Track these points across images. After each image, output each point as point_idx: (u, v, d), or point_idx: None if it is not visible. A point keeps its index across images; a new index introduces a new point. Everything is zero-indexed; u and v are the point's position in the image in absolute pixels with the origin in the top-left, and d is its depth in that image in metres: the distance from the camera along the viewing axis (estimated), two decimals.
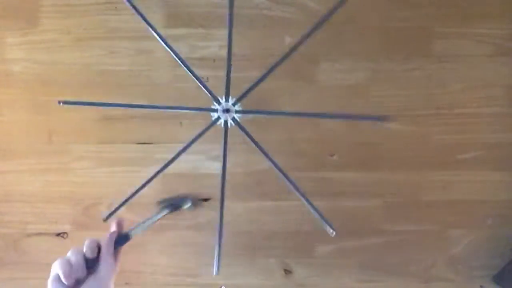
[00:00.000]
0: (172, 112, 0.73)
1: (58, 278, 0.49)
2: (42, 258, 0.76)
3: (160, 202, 0.73)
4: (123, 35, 0.72)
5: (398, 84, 0.72)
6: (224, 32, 0.72)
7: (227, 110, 0.60)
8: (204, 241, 0.75)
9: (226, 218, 0.75)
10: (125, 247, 0.70)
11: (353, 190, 0.74)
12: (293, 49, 0.58)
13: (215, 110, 0.60)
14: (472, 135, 0.73)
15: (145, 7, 0.72)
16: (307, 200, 0.59)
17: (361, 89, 0.72)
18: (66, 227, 0.75)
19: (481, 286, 0.75)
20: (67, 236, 0.76)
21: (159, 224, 0.70)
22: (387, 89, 0.72)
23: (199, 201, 0.73)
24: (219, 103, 0.60)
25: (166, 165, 0.62)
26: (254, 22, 0.72)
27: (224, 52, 0.72)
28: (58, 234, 0.76)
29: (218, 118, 0.60)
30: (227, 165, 0.74)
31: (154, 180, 0.74)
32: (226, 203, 0.74)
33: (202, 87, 0.61)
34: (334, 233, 0.59)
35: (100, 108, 0.74)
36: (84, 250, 0.52)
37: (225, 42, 0.72)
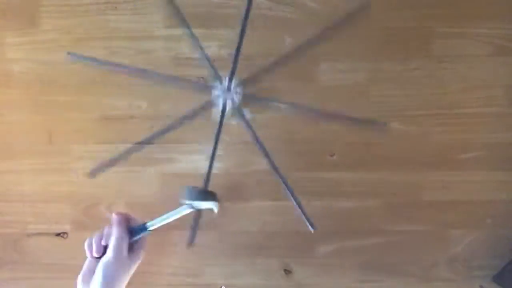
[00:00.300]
0: (172, 112, 0.73)
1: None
2: (42, 258, 0.76)
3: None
4: (123, 35, 0.73)
5: (398, 84, 0.72)
6: (224, 32, 0.73)
7: (228, 89, 0.59)
8: (204, 241, 0.75)
9: (226, 218, 0.75)
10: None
11: (353, 190, 0.74)
12: (303, 47, 0.58)
13: (216, 87, 0.60)
14: (472, 135, 0.73)
15: (145, 7, 0.73)
16: (291, 194, 0.60)
17: (361, 89, 0.72)
18: (66, 227, 0.75)
19: (481, 286, 0.75)
20: (67, 236, 0.76)
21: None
22: (387, 89, 0.72)
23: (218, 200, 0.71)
24: (221, 82, 0.60)
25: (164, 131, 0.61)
26: (254, 22, 0.72)
27: (224, 52, 0.72)
28: (58, 234, 0.76)
29: (217, 97, 0.60)
30: (227, 165, 0.74)
31: (154, 180, 0.75)
32: (226, 203, 0.74)
33: (207, 62, 0.60)
34: (313, 231, 0.62)
35: (100, 108, 0.74)
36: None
37: (225, 42, 0.72)
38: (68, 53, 0.60)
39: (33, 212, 0.75)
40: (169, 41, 0.73)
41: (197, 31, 0.72)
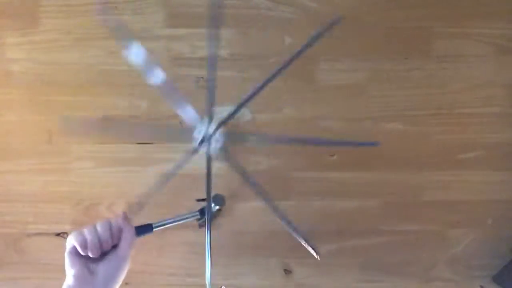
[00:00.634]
0: (172, 112, 0.73)
1: (84, 249, 0.51)
2: (42, 258, 0.76)
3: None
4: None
5: (398, 84, 0.72)
6: (225, 32, 0.73)
7: (206, 141, 0.56)
8: (204, 241, 0.75)
9: (226, 218, 0.75)
10: None
11: (353, 190, 0.74)
12: (280, 68, 0.55)
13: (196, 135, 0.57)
14: (472, 135, 0.73)
15: (146, 7, 0.73)
16: (291, 225, 0.58)
17: (361, 89, 0.72)
18: (66, 227, 0.75)
19: (481, 286, 0.75)
20: (67, 236, 0.75)
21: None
22: (387, 89, 0.72)
23: (221, 197, 0.71)
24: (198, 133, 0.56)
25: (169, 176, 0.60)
26: (254, 22, 0.72)
27: (224, 52, 0.72)
28: (58, 234, 0.76)
29: (197, 150, 0.57)
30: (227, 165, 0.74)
31: (154, 180, 0.75)
32: (226, 202, 0.74)
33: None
34: (318, 257, 0.58)
35: (100, 108, 0.74)
36: (106, 228, 0.53)
37: (225, 42, 0.72)
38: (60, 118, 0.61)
39: (33, 212, 0.75)
40: (169, 41, 0.73)
41: (197, 31, 0.72)
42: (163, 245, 0.75)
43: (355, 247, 0.75)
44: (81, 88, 0.73)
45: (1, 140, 0.75)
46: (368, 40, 0.72)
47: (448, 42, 0.72)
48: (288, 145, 0.66)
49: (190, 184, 0.74)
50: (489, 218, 0.74)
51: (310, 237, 0.75)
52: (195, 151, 0.57)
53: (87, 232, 0.51)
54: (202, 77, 0.72)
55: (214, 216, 0.72)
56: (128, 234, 0.54)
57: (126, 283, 0.75)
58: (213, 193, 0.73)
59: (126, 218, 0.55)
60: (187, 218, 0.66)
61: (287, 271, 0.75)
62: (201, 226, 0.73)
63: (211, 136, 0.56)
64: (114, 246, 0.53)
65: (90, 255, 0.51)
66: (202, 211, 0.69)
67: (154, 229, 0.61)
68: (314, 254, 0.58)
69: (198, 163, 0.74)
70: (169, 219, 0.63)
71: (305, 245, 0.58)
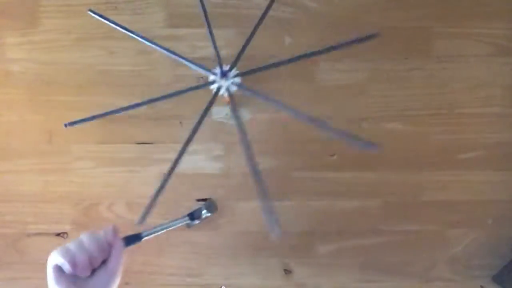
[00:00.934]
0: (172, 112, 0.73)
1: (72, 266, 0.46)
2: (42, 258, 0.75)
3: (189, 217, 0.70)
4: (123, 35, 0.72)
5: (398, 84, 0.72)
6: (225, 32, 0.73)
7: (224, 74, 0.59)
8: (204, 241, 0.75)
9: (226, 218, 0.75)
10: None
11: (353, 190, 0.74)
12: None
13: (214, 74, 0.60)
14: (472, 135, 0.73)
15: (145, 7, 0.73)
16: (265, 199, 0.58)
17: (361, 89, 0.72)
18: (66, 227, 0.75)
19: (481, 286, 0.75)
20: (67, 236, 0.76)
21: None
22: (387, 89, 0.73)
23: (213, 203, 0.72)
24: (214, 73, 0.60)
25: (177, 160, 0.59)
26: (254, 22, 0.72)
27: (224, 52, 0.72)
28: (58, 234, 0.76)
29: (219, 88, 0.59)
30: (227, 165, 0.74)
31: (154, 180, 0.75)
32: (226, 202, 0.74)
33: (198, 67, 0.60)
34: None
35: (100, 108, 0.73)
36: (96, 244, 0.49)
37: (225, 42, 0.72)
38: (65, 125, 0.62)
39: (33, 212, 0.75)
40: (169, 41, 0.73)
41: (197, 31, 0.72)
42: (163, 245, 0.75)
43: (355, 247, 0.75)
44: (81, 88, 0.73)
45: (1, 140, 0.75)
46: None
47: (448, 42, 0.72)
48: (289, 115, 0.65)
49: (190, 184, 0.74)
50: (489, 218, 0.74)
51: (310, 237, 0.75)
52: (217, 92, 0.59)
53: (74, 248, 0.47)
54: (202, 77, 0.72)
55: (203, 219, 0.72)
56: (118, 249, 0.50)
57: (126, 283, 0.75)
58: (207, 198, 0.74)
59: (115, 230, 0.52)
60: (177, 223, 0.65)
61: (287, 271, 0.75)
62: (189, 226, 0.73)
63: (227, 71, 0.59)
64: (104, 261, 0.49)
65: (80, 274, 0.47)
66: (192, 215, 0.69)
67: (143, 238, 0.59)
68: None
69: (198, 163, 0.74)
70: (159, 226, 0.62)
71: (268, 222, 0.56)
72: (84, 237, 0.49)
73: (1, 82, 0.74)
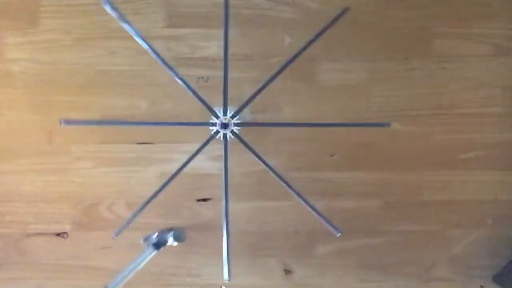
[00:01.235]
0: (172, 112, 0.73)
1: None
2: (42, 258, 0.76)
3: (144, 239, 0.69)
4: (123, 35, 0.72)
5: (398, 84, 0.72)
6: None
7: (225, 125, 0.60)
8: (204, 241, 0.75)
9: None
10: (125, 247, 0.70)
11: (353, 190, 0.74)
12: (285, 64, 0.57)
13: (214, 124, 0.60)
14: (472, 135, 0.73)
15: (145, 7, 0.73)
16: (308, 203, 0.59)
17: (361, 89, 0.72)
18: (66, 227, 0.75)
19: (481, 286, 0.75)
20: (67, 236, 0.75)
21: (159, 224, 0.70)
22: (387, 89, 0.72)
23: (183, 232, 0.71)
24: (217, 117, 0.60)
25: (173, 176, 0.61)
26: (254, 22, 0.72)
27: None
28: (58, 234, 0.75)
29: (217, 132, 0.60)
30: (227, 165, 0.74)
31: (154, 180, 0.75)
32: (226, 203, 0.74)
33: (202, 104, 0.60)
34: (339, 234, 0.59)
35: (100, 108, 0.74)
36: None
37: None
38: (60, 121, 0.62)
39: (33, 212, 0.75)
40: (169, 41, 0.73)
41: (197, 31, 0.72)
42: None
43: (355, 247, 0.75)
44: (81, 88, 0.73)
45: (1, 140, 0.75)
46: (368, 40, 0.72)
47: (448, 42, 0.72)
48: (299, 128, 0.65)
49: (190, 184, 0.74)
50: (489, 218, 0.74)
51: (310, 237, 0.75)
52: (215, 133, 0.60)
53: None
54: (202, 77, 0.72)
55: (166, 244, 0.70)
56: None
57: (126, 283, 0.75)
58: (173, 228, 0.73)
59: None
60: (143, 260, 0.64)
61: (287, 271, 0.75)
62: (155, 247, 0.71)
63: (228, 123, 0.60)
64: None
65: None
66: (157, 245, 0.67)
67: None
68: (335, 232, 0.60)
69: (198, 163, 0.74)
70: (124, 270, 0.61)
71: (327, 224, 0.60)
72: None
73: (1, 82, 0.74)
